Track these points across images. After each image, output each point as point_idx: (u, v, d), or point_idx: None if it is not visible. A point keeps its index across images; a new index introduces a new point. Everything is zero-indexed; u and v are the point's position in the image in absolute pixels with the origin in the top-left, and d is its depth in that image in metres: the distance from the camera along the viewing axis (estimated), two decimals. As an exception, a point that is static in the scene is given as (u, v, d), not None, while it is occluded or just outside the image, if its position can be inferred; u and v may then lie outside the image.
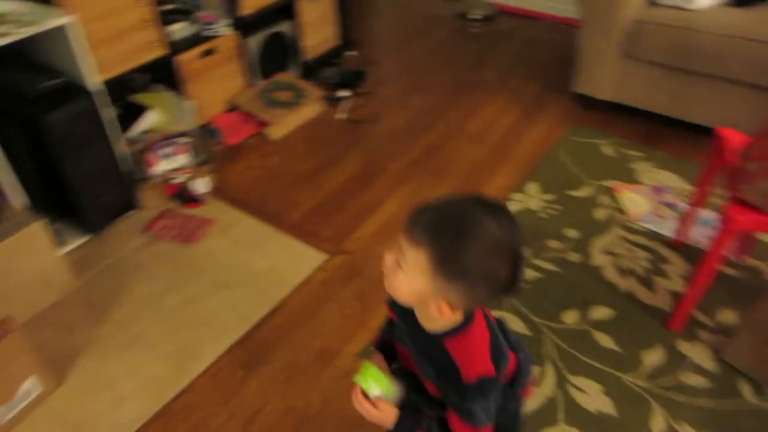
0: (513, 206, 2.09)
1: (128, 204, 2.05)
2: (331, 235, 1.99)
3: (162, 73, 2.30)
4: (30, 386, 1.42)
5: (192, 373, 1.56)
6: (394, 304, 0.94)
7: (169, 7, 2.34)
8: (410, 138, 2.48)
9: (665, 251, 1.88)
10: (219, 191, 2.18)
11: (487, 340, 0.86)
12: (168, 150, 2.08)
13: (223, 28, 2.39)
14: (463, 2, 3.62)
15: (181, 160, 2.12)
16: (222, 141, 2.44)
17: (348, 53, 3.11)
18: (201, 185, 2.14)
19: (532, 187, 2.17)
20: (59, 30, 1.69)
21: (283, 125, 2.51)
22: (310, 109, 2.63)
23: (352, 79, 2.83)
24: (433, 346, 0.86)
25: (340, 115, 2.63)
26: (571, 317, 1.68)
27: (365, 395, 0.91)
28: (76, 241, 1.93)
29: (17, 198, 1.73)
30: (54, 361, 1.56)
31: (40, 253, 1.65)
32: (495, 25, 3.45)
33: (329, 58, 3.00)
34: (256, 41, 2.57)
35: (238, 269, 1.86)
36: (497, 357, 0.86)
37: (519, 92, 2.77)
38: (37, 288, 1.69)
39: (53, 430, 1.44)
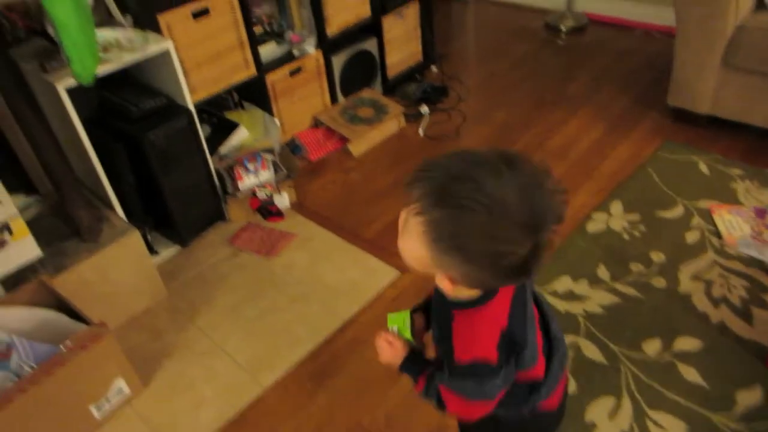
0: (593, 226, 2.00)
1: (216, 216, 2.18)
2: (405, 251, 2.00)
3: (251, 92, 2.44)
4: (120, 387, 1.55)
5: (265, 382, 1.62)
6: None
7: (261, 29, 2.48)
8: (490, 154, 2.44)
9: (767, 280, 1.73)
10: (300, 205, 2.27)
11: (499, 326, 0.77)
12: (254, 165, 2.19)
13: (310, 48, 2.49)
14: (552, 13, 3.53)
15: (266, 175, 2.22)
16: (305, 156, 2.53)
17: (431, 69, 3.13)
18: (283, 200, 2.23)
19: (616, 206, 2.07)
20: (161, 55, 1.84)
21: (364, 141, 2.57)
22: (392, 125, 2.67)
23: (434, 95, 2.84)
24: (445, 311, 0.80)
25: (421, 130, 2.65)
26: (653, 347, 1.58)
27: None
28: (167, 251, 2.08)
29: (117, 209, 1.89)
30: (142, 364, 1.68)
31: (135, 261, 1.80)
32: (585, 37, 3.33)
33: (412, 73, 3.03)
34: (340, 59, 2.65)
35: (314, 283, 1.92)
36: (510, 348, 0.78)
37: (606, 106, 2.65)
38: (131, 294, 1.83)
39: (138, 429, 1.55)
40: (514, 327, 0.79)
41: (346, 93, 2.74)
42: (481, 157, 0.67)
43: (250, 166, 2.19)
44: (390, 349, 0.92)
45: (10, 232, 1.47)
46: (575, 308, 1.72)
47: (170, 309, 1.88)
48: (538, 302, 0.91)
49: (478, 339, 0.77)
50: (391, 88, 2.93)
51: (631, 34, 3.26)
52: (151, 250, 2.03)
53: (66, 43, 1.30)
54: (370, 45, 2.75)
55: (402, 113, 2.69)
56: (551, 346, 0.91)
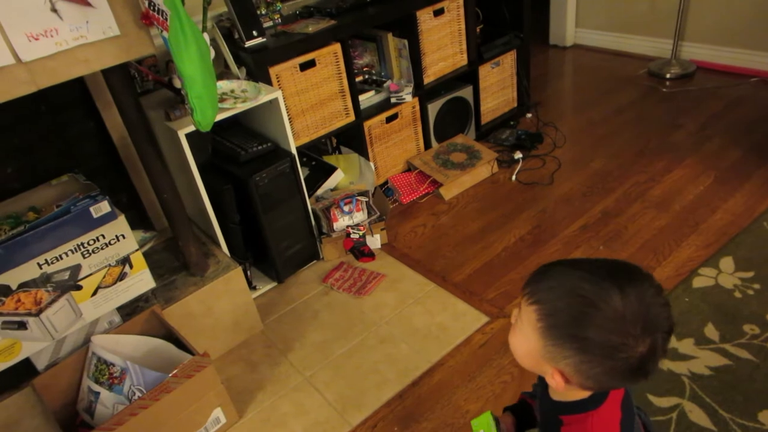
0: (701, 282, 1.87)
1: (311, 255, 2.27)
2: (495, 297, 1.98)
3: (348, 136, 2.55)
4: (218, 416, 1.62)
5: (353, 421, 1.64)
6: None
7: (362, 78, 2.60)
8: (585, 202, 2.38)
9: None
10: (391, 247, 2.31)
11: (615, 425, 0.75)
12: (349, 207, 2.27)
13: (407, 96, 2.57)
14: (657, 60, 3.43)
15: (360, 216, 2.29)
16: (397, 199, 2.59)
17: (526, 115, 3.12)
18: (375, 241, 2.29)
19: (726, 262, 1.93)
20: (270, 103, 1.98)
21: (456, 185, 2.59)
22: (484, 170, 2.67)
23: (528, 141, 2.83)
24: (552, 417, 0.78)
25: (514, 176, 2.64)
26: (771, 420, 1.44)
27: None
28: (265, 287, 2.18)
29: (222, 246, 2.02)
30: (238, 395, 1.76)
31: (236, 295, 1.90)
32: (693, 84, 3.20)
33: (506, 120, 3.04)
34: (435, 106, 2.71)
35: (402, 324, 1.93)
36: None
37: (716, 157, 2.51)
38: (231, 327, 1.93)
39: (232, 456, 1.61)
40: (626, 422, 0.76)
41: (440, 138, 2.79)
42: (600, 261, 0.71)
43: (346, 208, 2.27)
44: None
45: (131, 266, 1.61)
46: (679, 368, 1.61)
47: (265, 343, 1.96)
48: (641, 418, 0.89)
49: None
50: (484, 134, 2.95)
51: (744, 82, 3.09)
52: (250, 285, 2.14)
53: (191, 94, 1.44)
54: (466, 92, 2.79)
55: (495, 159, 2.70)
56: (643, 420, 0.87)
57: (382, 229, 2.31)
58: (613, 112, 3.06)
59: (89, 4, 1.34)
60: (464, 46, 2.70)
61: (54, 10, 1.31)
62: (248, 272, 2.14)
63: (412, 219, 2.47)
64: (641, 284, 0.68)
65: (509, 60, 2.93)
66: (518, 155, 2.74)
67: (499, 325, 1.86)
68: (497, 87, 2.94)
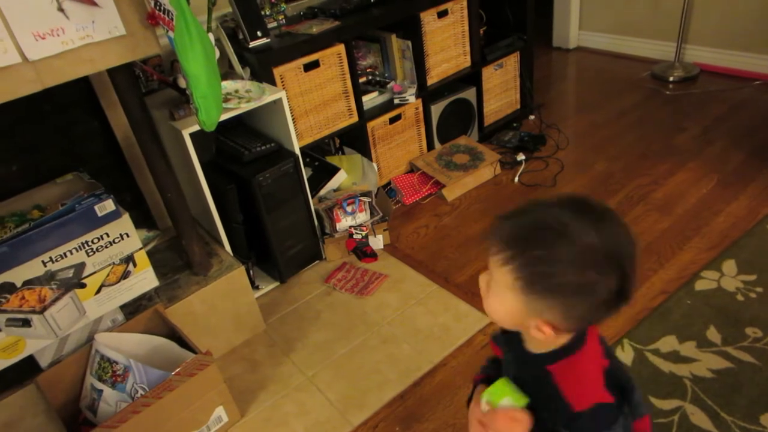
0: (703, 285, 1.88)
1: (314, 255, 2.27)
2: (498, 300, 1.98)
3: (352, 137, 2.55)
4: (220, 415, 1.63)
5: (354, 421, 1.64)
6: (498, 337, 0.88)
7: (365, 79, 2.61)
8: (588, 204, 2.38)
9: None
10: (393, 248, 2.31)
11: (600, 366, 0.75)
12: (352, 207, 2.27)
13: (410, 97, 2.58)
14: (660, 63, 3.43)
15: (362, 217, 2.30)
16: (400, 200, 2.59)
17: (529, 117, 3.12)
18: (377, 241, 2.29)
19: (729, 265, 1.93)
20: (273, 103, 1.98)
21: (458, 187, 2.59)
22: (487, 172, 2.68)
23: (531, 143, 2.83)
24: (535, 373, 0.77)
25: (517, 178, 2.64)
26: (773, 423, 1.44)
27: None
28: (267, 287, 2.19)
29: (225, 245, 2.03)
30: (240, 394, 1.77)
31: (239, 295, 1.90)
32: (696, 87, 3.20)
33: (509, 122, 3.04)
34: (439, 107, 2.71)
35: (404, 325, 1.94)
36: (619, 387, 0.75)
37: (718, 160, 2.51)
38: (233, 326, 1.94)
39: (234, 455, 1.62)
40: (614, 367, 0.77)
41: (442, 140, 2.79)
42: (552, 200, 0.71)
43: (348, 208, 2.27)
44: (518, 426, 0.76)
45: (134, 264, 1.62)
46: (681, 370, 1.61)
47: (267, 343, 1.96)
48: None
49: (590, 382, 0.74)
50: (487, 135, 2.96)
51: (747, 86, 3.09)
52: (253, 284, 2.15)
53: (196, 94, 1.45)
54: (469, 94, 2.80)
55: (498, 160, 2.70)
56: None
57: (384, 230, 2.31)
58: (616, 114, 3.06)
59: (95, 4, 1.35)
60: (467, 48, 2.70)
61: (61, 9, 1.31)
62: (251, 272, 2.15)
63: (414, 220, 2.47)
64: (601, 214, 0.68)
65: (512, 62, 2.93)
66: (521, 157, 2.74)
67: (499, 326, 1.86)
68: (500, 89, 2.95)
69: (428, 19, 2.49)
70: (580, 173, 2.60)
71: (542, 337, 0.72)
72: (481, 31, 2.81)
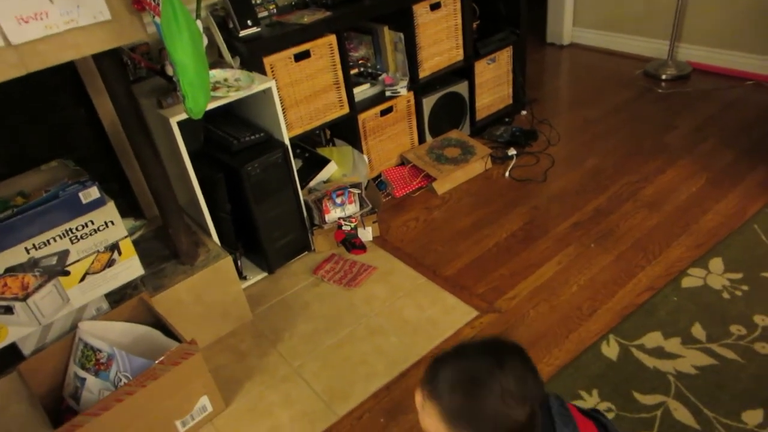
0: (689, 282, 1.88)
1: (302, 246, 2.27)
2: (485, 291, 1.98)
3: (342, 129, 2.54)
4: (204, 404, 1.62)
5: (339, 411, 1.64)
6: None
7: (357, 71, 2.60)
8: (578, 200, 2.38)
9: None
10: (383, 240, 2.31)
11: None
12: (342, 199, 2.27)
13: (402, 89, 2.57)
14: (653, 61, 3.43)
15: (351, 208, 2.29)
16: (390, 193, 2.59)
17: (521, 112, 3.12)
18: (367, 233, 2.29)
19: (716, 263, 1.94)
20: (263, 93, 1.97)
21: (449, 180, 2.59)
22: (477, 166, 2.67)
23: (523, 138, 2.83)
24: None
25: (507, 172, 2.64)
26: (754, 418, 1.45)
27: None
28: (255, 277, 2.18)
29: (212, 235, 2.02)
30: (225, 384, 1.76)
31: (226, 285, 1.89)
32: (688, 86, 3.20)
33: (501, 116, 3.04)
34: (430, 100, 2.70)
35: (392, 317, 1.94)
36: None
37: (708, 158, 2.52)
38: (219, 316, 1.93)
39: (218, 445, 1.61)
40: None
41: (434, 133, 2.79)
42: (480, 348, 0.86)
43: (338, 200, 2.27)
44: None
45: (119, 252, 1.60)
46: (665, 366, 1.62)
47: (254, 333, 1.96)
48: (600, 420, 0.98)
49: None
50: (479, 130, 2.95)
51: (739, 85, 3.10)
52: (240, 275, 2.14)
53: (183, 81, 1.43)
54: (461, 88, 2.79)
55: (489, 155, 2.70)
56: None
57: (374, 222, 2.31)
58: (608, 111, 3.06)
59: (81, -12, 1.33)
60: (460, 41, 2.69)
61: (45, -8, 1.29)
62: (239, 262, 2.14)
63: (404, 213, 2.47)
64: (519, 364, 0.82)
65: (505, 56, 2.92)
66: (512, 152, 2.74)
67: (488, 320, 1.87)
68: (493, 83, 2.94)
69: (421, 11, 2.48)
70: (571, 169, 2.61)
71: None
72: (474, 25, 2.80)
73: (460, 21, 2.64)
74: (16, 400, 1.58)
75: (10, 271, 1.44)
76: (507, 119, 3.04)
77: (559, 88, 3.51)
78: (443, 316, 1.91)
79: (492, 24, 2.90)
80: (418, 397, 0.87)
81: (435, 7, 2.52)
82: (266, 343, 1.91)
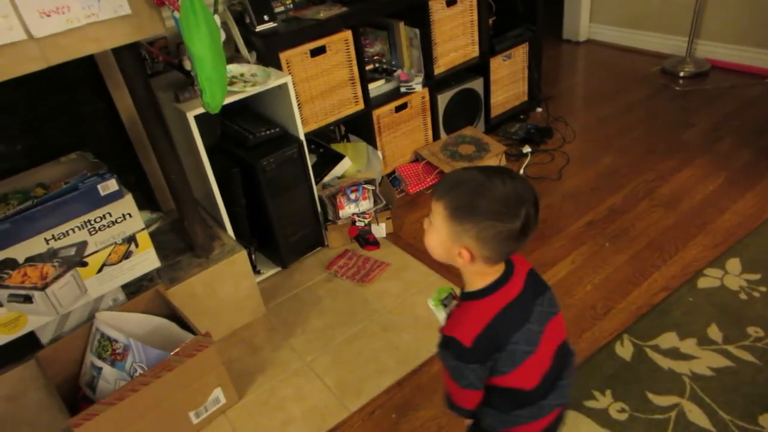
0: (706, 282, 1.87)
1: (316, 242, 2.27)
2: (498, 291, 1.97)
3: (357, 125, 2.54)
4: (217, 396, 1.64)
5: (351, 407, 1.65)
6: None
7: (372, 66, 2.59)
8: (592, 199, 2.37)
9: None
10: (396, 236, 2.31)
11: (484, 321, 0.93)
12: (356, 195, 2.27)
13: (417, 86, 2.56)
14: (671, 58, 3.40)
15: (365, 205, 2.29)
16: (404, 189, 2.59)
17: (536, 110, 3.10)
18: (380, 230, 2.29)
19: (733, 264, 1.92)
20: (279, 88, 1.98)
21: (463, 178, 2.58)
22: (492, 163, 2.66)
23: (538, 136, 2.81)
24: (458, 302, 1.02)
25: (522, 170, 2.62)
26: (770, 422, 1.44)
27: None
28: (269, 272, 2.19)
29: (227, 229, 2.03)
30: (238, 377, 1.77)
31: (240, 279, 1.91)
32: (706, 83, 3.16)
33: (516, 113, 3.02)
34: (445, 97, 2.70)
35: (404, 313, 1.94)
36: (490, 344, 0.94)
37: (727, 157, 2.49)
38: (233, 309, 1.94)
39: (231, 437, 1.63)
40: (498, 328, 0.94)
41: (448, 130, 2.78)
42: (481, 166, 1.02)
43: (352, 196, 2.27)
44: None
45: (136, 244, 1.62)
46: (680, 367, 1.61)
47: (267, 327, 1.97)
48: (566, 346, 1.06)
49: (461, 323, 0.95)
50: (493, 127, 2.94)
51: (759, 83, 3.06)
52: (254, 269, 2.15)
53: (201, 76, 1.44)
54: (476, 84, 2.78)
55: (503, 152, 2.68)
56: (555, 386, 1.03)
57: (387, 218, 2.31)
58: (624, 109, 3.03)
59: (102, -18, 1.34)
60: (476, 38, 2.68)
61: (67, -14, 1.31)
62: (253, 256, 2.15)
63: (418, 209, 2.47)
64: (514, 178, 0.90)
65: (521, 53, 2.91)
66: (527, 149, 2.72)
67: (500, 318, 1.87)
68: (508, 80, 2.92)
69: (437, 7, 2.47)
70: (586, 167, 2.59)
71: (462, 263, 0.92)
72: (490, 21, 2.78)
73: (476, 17, 2.63)
74: (33, 387, 1.61)
75: (30, 260, 1.46)
76: (522, 116, 3.02)
77: (574, 85, 3.49)
78: (456, 313, 1.90)
79: (508, 20, 2.89)
80: (426, 220, 0.96)
81: (451, 3, 2.51)
82: (279, 337, 1.92)
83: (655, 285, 1.90)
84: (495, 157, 2.65)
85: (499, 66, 2.83)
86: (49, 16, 1.30)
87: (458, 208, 0.89)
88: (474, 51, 2.71)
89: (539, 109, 3.10)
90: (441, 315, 1.06)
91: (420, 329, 1.87)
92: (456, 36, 2.61)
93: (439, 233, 0.92)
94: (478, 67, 2.77)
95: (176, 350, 1.48)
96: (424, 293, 2.01)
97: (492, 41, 2.75)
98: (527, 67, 2.97)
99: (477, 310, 0.95)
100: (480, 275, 0.95)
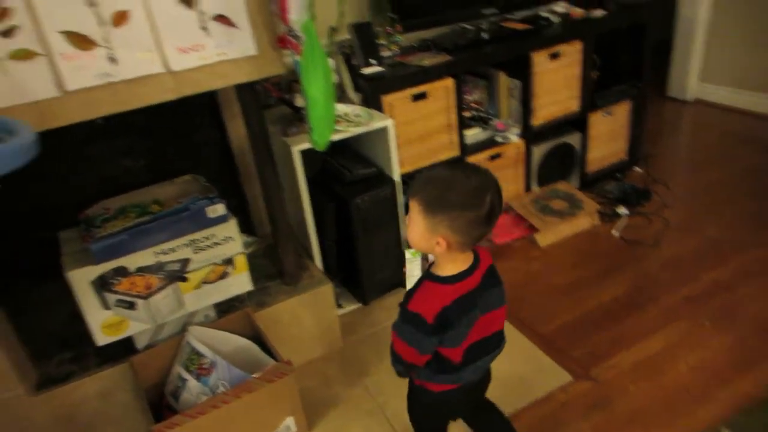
0: (820, 378, 1.69)
1: (398, 282, 2.29)
2: (581, 356, 1.90)
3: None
4: (288, 424, 1.66)
5: (418, 456, 1.62)
6: None
7: (470, 113, 2.63)
8: (693, 270, 2.23)
9: None
10: (478, 286, 2.28)
11: (442, 302, 1.09)
12: (441, 240, 2.28)
13: (513, 136, 2.56)
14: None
15: (451, 251, 2.29)
16: (490, 239, 2.56)
17: (635, 169, 3.00)
18: (463, 277, 2.27)
19: None
20: (380, 129, 2.04)
21: (552, 233, 2.53)
22: (584, 222, 2.59)
23: (635, 197, 2.71)
24: (420, 279, 1.15)
25: (616, 232, 2.53)
26: None
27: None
28: (350, 307, 2.23)
29: (316, 261, 2.10)
30: (311, 407, 1.79)
31: (323, 311, 1.95)
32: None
33: (613, 171, 2.94)
34: (541, 149, 2.68)
35: (481, 367, 1.90)
36: (443, 322, 1.09)
37: None
38: (312, 340, 1.99)
39: (298, 466, 1.65)
40: (452, 311, 1.10)
41: (541, 182, 2.74)
42: (450, 164, 1.22)
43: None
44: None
45: (234, 267, 1.71)
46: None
47: (343, 361, 1.99)
48: (501, 334, 1.27)
49: (426, 301, 1.11)
50: (588, 183, 2.87)
51: None
52: (336, 302, 2.19)
53: (313, 115, 1.53)
54: (573, 139, 2.74)
55: (597, 211, 2.61)
56: (476, 367, 1.24)
57: (471, 266, 2.29)
58: (733, 176, 2.86)
59: (235, 26, 1.46)
60: (577, 92, 2.65)
61: (204, 28, 1.44)
62: (336, 289, 2.19)
63: (503, 260, 2.44)
64: (479, 172, 1.06)
65: (623, 110, 2.84)
66: (623, 210, 2.63)
67: (582, 388, 1.78)
68: (607, 136, 2.86)
69: (540, 59, 2.48)
70: (687, 235, 2.46)
71: (440, 251, 1.07)
72: (594, 76, 2.75)
73: (579, 71, 2.61)
74: (123, 389, 1.71)
75: (140, 271, 1.58)
76: (619, 175, 2.93)
77: (679, 146, 3.34)
78: (534, 375, 1.84)
79: (612, 75, 2.84)
80: (407, 217, 1.11)
81: (555, 56, 2.51)
82: (354, 374, 1.94)
83: (762, 376, 1.74)
84: (588, 215, 2.58)
85: (599, 121, 2.78)
86: (186, 52, 1.43)
87: (430, 202, 1.04)
88: (574, 105, 2.68)
89: (638, 169, 2.99)
90: (417, 266, 1.21)
91: (496, 386, 1.80)
92: (557, 89, 2.59)
93: (418, 227, 1.06)
94: (577, 122, 2.73)
95: (258, 374, 1.53)
96: (503, 350, 1.95)
97: (594, 96, 2.71)
98: (629, 125, 2.89)
99: (441, 293, 1.10)
100: (452, 262, 1.11)
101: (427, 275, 1.14)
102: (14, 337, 1.62)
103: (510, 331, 2.04)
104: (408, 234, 1.10)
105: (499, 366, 1.88)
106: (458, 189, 1.02)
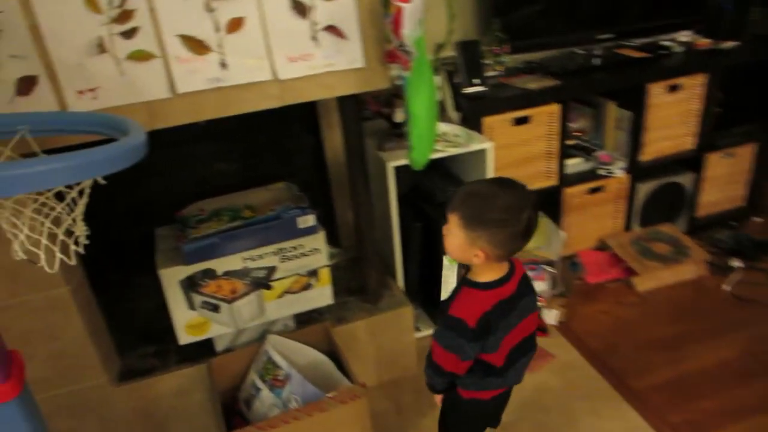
0: None
1: (480, 311, 2.19)
2: (680, 423, 1.71)
3: (544, 199, 2.43)
4: (357, 448, 1.61)
5: (488, 504, 1.52)
6: None
7: (573, 142, 2.49)
8: (818, 339, 1.98)
9: None
10: (567, 328, 2.14)
11: (483, 308, 1.11)
12: (533, 274, 2.16)
13: (617, 170, 2.40)
14: None
15: (541, 286, 2.16)
16: (582, 276, 2.40)
17: (754, 219, 2.72)
18: (551, 316, 2.14)
19: None
20: (478, 152, 1.96)
21: (652, 278, 2.33)
22: (689, 270, 2.37)
23: (752, 249, 2.46)
24: (458, 286, 1.18)
25: (727, 286, 2.29)
26: None
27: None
28: (427, 331, 2.15)
29: (398, 280, 2.04)
30: (380, 432, 1.74)
31: (401, 333, 1.89)
32: None
33: (728, 219, 2.68)
34: (647, 187, 2.49)
35: (562, 416, 1.76)
36: (484, 327, 1.12)
37: None
38: (387, 361, 1.93)
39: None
40: (493, 315, 1.12)
41: (643, 223, 2.55)
42: (489, 179, 1.30)
43: (530, 274, 2.16)
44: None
45: (317, 279, 1.69)
46: None
47: (415, 388, 1.92)
48: (533, 338, 1.26)
49: (468, 307, 1.13)
50: (697, 229, 2.63)
51: None
52: (414, 325, 2.12)
53: (414, 133, 1.48)
54: (685, 179, 2.53)
55: (705, 261, 2.38)
56: (516, 369, 1.25)
57: (561, 306, 2.15)
58: None
59: (345, 37, 1.44)
60: (694, 129, 2.45)
61: (314, 38, 1.43)
62: (414, 312, 2.13)
63: (595, 302, 2.27)
64: (517, 188, 1.09)
65: (746, 152, 2.59)
66: (736, 263, 2.39)
67: (678, 454, 1.61)
68: (725, 180, 2.61)
69: (657, 91, 2.31)
70: (811, 298, 2.19)
71: (478, 262, 1.10)
72: (715, 112, 2.53)
73: (699, 106, 2.41)
74: (199, 389, 1.73)
75: (226, 275, 1.58)
76: (734, 223, 2.67)
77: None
78: (624, 434, 1.69)
79: (737, 113, 2.59)
80: (445, 228, 1.13)
81: (674, 88, 2.33)
82: (425, 403, 1.85)
83: None
84: (695, 263, 2.36)
85: (716, 163, 2.55)
86: (295, 62, 1.43)
87: (470, 218, 1.07)
88: (689, 142, 2.48)
89: (758, 219, 2.71)
90: (453, 274, 1.21)
91: (579, 439, 1.68)
92: (672, 124, 2.41)
93: (457, 239, 1.10)
94: (691, 161, 2.52)
95: (332, 394, 1.49)
96: (589, 400, 1.81)
97: (713, 135, 2.49)
98: (752, 169, 2.63)
99: (481, 298, 1.13)
100: (489, 270, 1.14)
101: (466, 282, 1.17)
102: (104, 328, 1.67)
103: (597, 379, 1.89)
104: (446, 244, 1.13)
105: (581, 417, 1.76)
106: (497, 206, 1.05)
